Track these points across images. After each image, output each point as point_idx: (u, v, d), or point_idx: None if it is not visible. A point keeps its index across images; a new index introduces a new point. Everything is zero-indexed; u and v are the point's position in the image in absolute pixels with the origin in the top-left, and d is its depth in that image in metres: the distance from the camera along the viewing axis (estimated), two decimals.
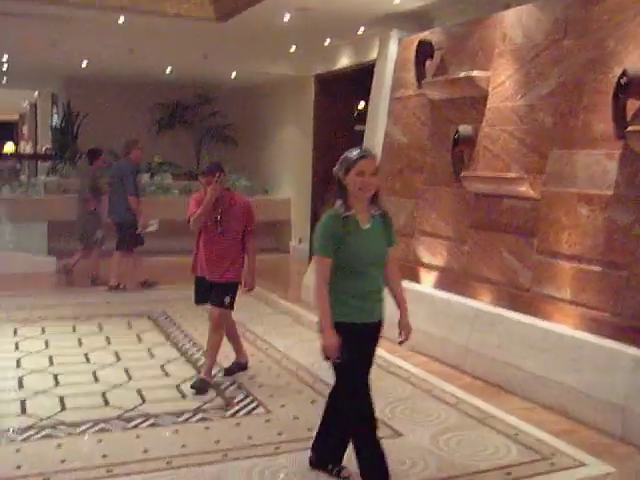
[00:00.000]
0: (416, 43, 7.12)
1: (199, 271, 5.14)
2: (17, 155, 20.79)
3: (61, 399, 4.77)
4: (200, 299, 5.26)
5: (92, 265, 8.70)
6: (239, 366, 5.43)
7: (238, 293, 5.13)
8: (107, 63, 11.13)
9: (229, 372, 5.36)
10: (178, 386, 5.11)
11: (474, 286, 6.09)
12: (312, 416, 4.26)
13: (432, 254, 6.78)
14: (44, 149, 15.88)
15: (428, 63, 7.02)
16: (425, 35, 7.18)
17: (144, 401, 4.78)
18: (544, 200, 5.44)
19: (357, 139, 11.67)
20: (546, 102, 5.56)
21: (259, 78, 12.15)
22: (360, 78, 11.03)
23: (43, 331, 6.56)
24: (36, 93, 18.46)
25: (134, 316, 7.20)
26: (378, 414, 3.55)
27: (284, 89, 12.22)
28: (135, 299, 8.06)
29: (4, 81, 14.05)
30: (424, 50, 7.02)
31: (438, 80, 6.79)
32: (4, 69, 11.81)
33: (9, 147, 23.28)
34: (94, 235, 8.49)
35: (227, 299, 5.03)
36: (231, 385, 5.14)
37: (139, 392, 4.95)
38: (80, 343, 6.21)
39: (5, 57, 10.79)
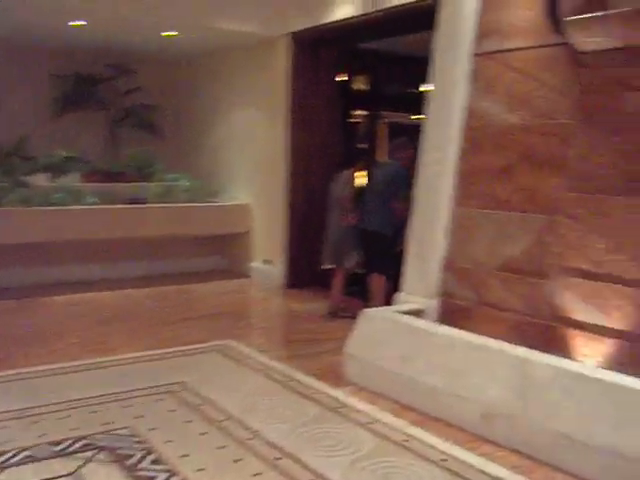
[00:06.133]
0: None
1: None
2: None
3: None
4: None
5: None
6: None
7: None
8: None
9: None
10: None
11: None
12: None
13: (599, 308, 4.04)
14: None
15: None
16: None
17: None
18: None
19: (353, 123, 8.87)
20: None
21: (204, 40, 8.72)
22: (369, 33, 7.95)
23: None
24: None
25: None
26: None
27: (240, 56, 8.84)
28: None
29: None
30: None
31: (608, 15, 4.01)
32: None
33: None
34: None
35: None
36: None
37: None
38: None
39: None
